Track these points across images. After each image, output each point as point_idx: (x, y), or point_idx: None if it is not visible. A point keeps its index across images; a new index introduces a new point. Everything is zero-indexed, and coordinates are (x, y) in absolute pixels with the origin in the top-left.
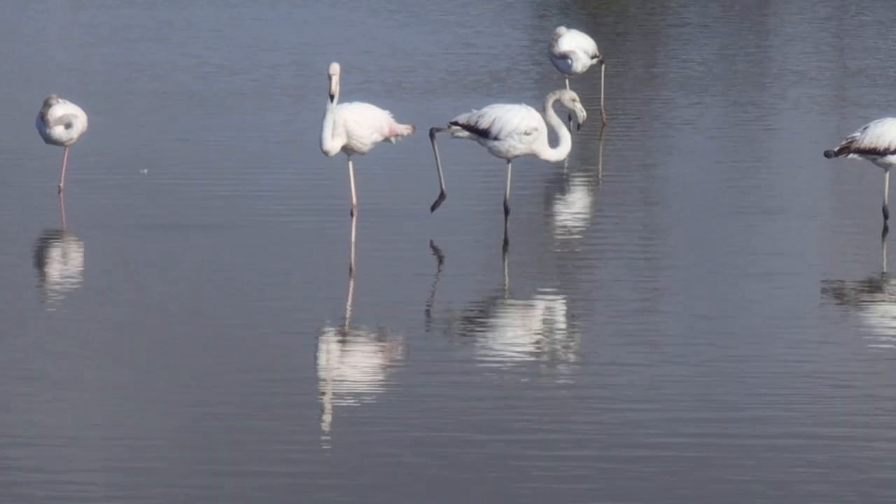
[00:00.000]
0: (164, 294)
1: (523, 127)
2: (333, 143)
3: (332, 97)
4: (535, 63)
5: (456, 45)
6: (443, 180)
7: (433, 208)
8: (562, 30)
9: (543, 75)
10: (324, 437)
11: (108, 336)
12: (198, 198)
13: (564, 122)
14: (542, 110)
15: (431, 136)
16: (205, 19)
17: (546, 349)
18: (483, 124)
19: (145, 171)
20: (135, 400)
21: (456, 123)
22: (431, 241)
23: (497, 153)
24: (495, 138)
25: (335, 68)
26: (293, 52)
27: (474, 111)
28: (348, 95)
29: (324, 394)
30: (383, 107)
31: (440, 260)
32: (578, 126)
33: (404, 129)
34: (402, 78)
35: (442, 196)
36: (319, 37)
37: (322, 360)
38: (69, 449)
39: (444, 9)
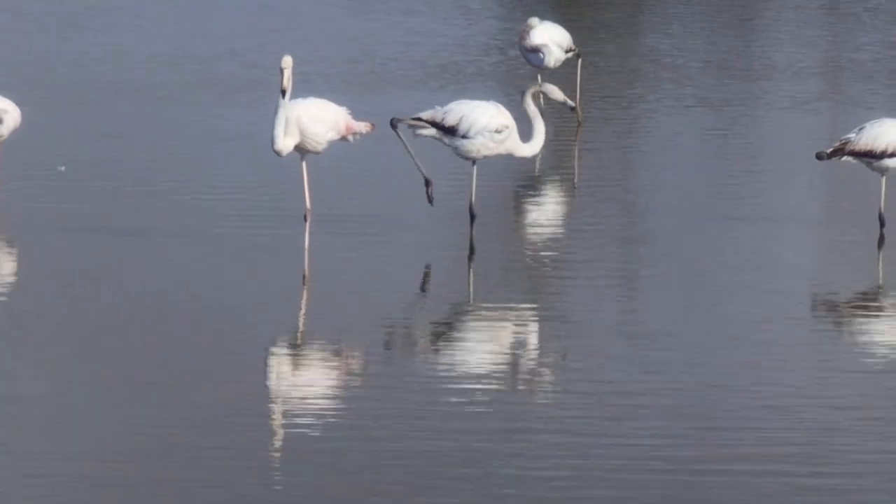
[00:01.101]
0: (105, 304)
1: (493, 124)
2: (286, 142)
3: (283, 92)
4: (503, 56)
5: (416, 35)
6: (421, 167)
7: (430, 200)
8: (534, 21)
9: (511, 69)
10: (274, 453)
11: (44, 348)
12: (135, 199)
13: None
14: (522, 98)
15: (393, 126)
16: (135, 6)
17: (509, 365)
18: (449, 121)
19: (63, 168)
20: (76, 416)
21: (419, 119)
22: (391, 250)
23: (464, 153)
24: (463, 136)
25: (287, 61)
26: (235, 41)
27: (438, 108)
28: (300, 89)
29: (276, 409)
30: (339, 103)
31: (400, 269)
32: (573, 108)
33: (363, 126)
34: (356, 70)
35: (427, 183)
36: (264, 26)
37: (272, 376)
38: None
39: None
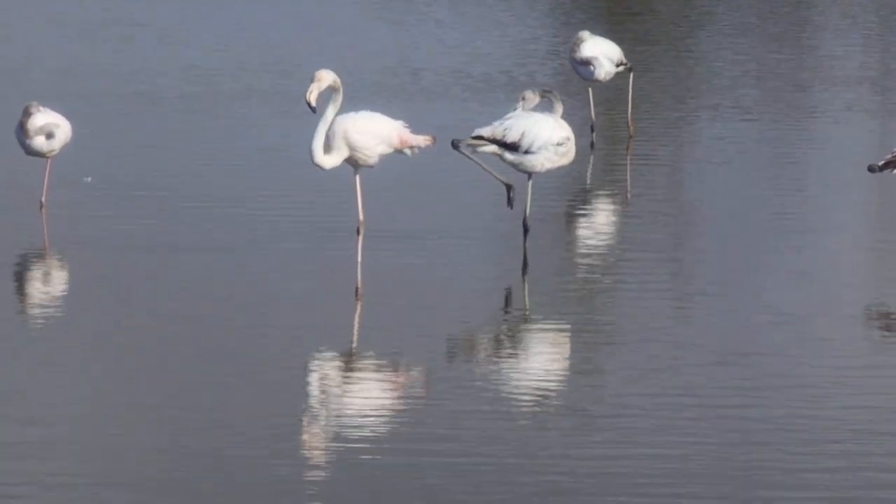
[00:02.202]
0: (158, 319)
1: (556, 138)
2: (329, 157)
3: (309, 105)
4: (553, 69)
5: (463, 45)
6: (496, 174)
7: (511, 204)
8: (585, 34)
9: (567, 79)
10: (325, 470)
11: (95, 366)
12: (187, 212)
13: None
14: (546, 101)
15: (455, 146)
16: (176, 17)
17: (563, 382)
18: (511, 137)
19: (89, 179)
20: (113, 440)
21: (480, 137)
22: (445, 264)
23: (528, 168)
24: (526, 151)
25: (321, 75)
26: (273, 53)
27: (496, 123)
28: (349, 103)
29: (330, 425)
30: (394, 115)
31: (454, 283)
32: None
33: (422, 140)
34: (406, 81)
35: (509, 188)
36: (310, 37)
37: (327, 389)
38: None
39: (454, 5)
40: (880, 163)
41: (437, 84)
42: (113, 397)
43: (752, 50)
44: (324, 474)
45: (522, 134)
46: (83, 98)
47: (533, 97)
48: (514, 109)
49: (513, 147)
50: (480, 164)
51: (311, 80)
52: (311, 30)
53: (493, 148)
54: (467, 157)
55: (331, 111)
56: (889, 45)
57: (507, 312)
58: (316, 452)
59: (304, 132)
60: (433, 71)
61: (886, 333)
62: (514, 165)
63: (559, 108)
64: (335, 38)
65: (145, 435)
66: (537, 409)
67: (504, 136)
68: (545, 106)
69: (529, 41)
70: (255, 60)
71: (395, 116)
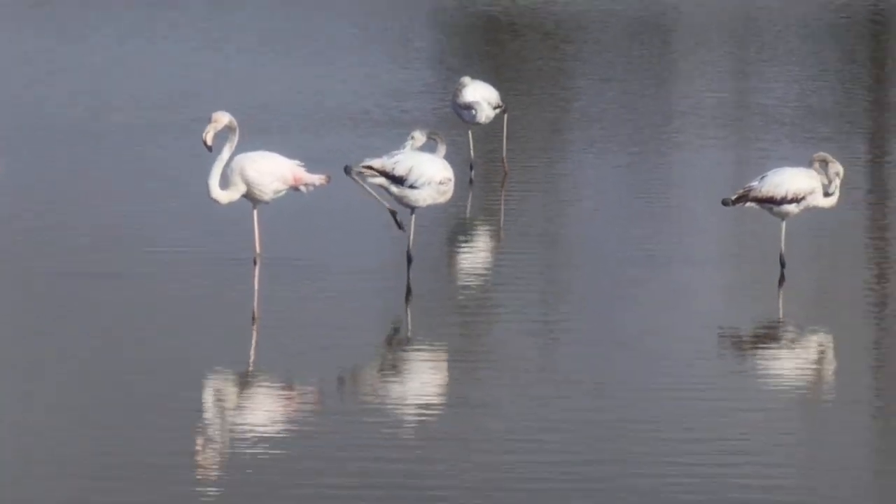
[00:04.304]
0: (56, 344)
1: (439, 177)
2: (225, 193)
3: (205, 144)
4: (432, 109)
5: (349, 85)
6: (382, 201)
7: (399, 226)
8: (466, 80)
9: (442, 119)
10: (215, 485)
11: None
12: (82, 241)
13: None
14: (432, 141)
15: (347, 172)
16: (74, 52)
17: (441, 408)
18: (399, 171)
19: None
20: (26, 453)
21: (370, 168)
22: (336, 292)
23: (411, 201)
24: (411, 186)
25: (217, 116)
26: (180, 88)
27: (386, 157)
28: (249, 140)
29: (221, 441)
30: (286, 151)
31: (342, 310)
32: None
33: (317, 179)
34: (300, 117)
35: (393, 213)
36: (210, 75)
37: (221, 409)
38: None
39: (344, 48)
40: (733, 197)
41: (326, 121)
42: (16, 418)
43: (618, 89)
44: (214, 491)
45: (410, 169)
46: None
47: (421, 137)
48: (404, 147)
49: (399, 180)
50: (368, 191)
51: (209, 122)
52: (210, 68)
53: (381, 180)
54: (357, 182)
55: (226, 150)
56: (742, 84)
57: (391, 338)
58: (207, 472)
59: (204, 169)
60: (322, 109)
61: (737, 359)
62: (398, 199)
63: (443, 149)
64: (233, 77)
65: (40, 457)
66: (416, 435)
67: (393, 169)
68: (431, 146)
69: (411, 82)
70: (153, 98)
71: (287, 153)
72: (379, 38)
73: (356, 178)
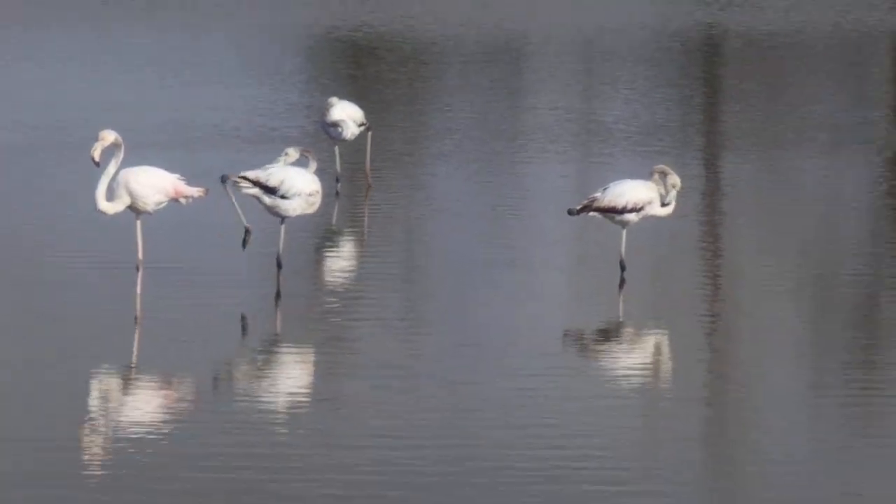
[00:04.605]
0: None
1: (308, 189)
2: (111, 205)
3: (93, 160)
4: (300, 127)
5: (230, 105)
6: (242, 216)
7: (244, 246)
8: (333, 100)
9: (309, 136)
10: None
11: None
12: None
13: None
14: (304, 158)
15: (223, 181)
16: None
17: (308, 405)
18: (272, 182)
19: None
20: None
21: (245, 178)
22: (212, 295)
23: (281, 211)
24: (283, 196)
25: (104, 134)
26: (65, 111)
27: (260, 170)
28: (133, 156)
29: (95, 438)
30: (167, 166)
31: (218, 312)
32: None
33: (195, 191)
34: (178, 135)
35: (247, 232)
36: (96, 96)
37: (104, 403)
38: None
39: (219, 71)
40: (578, 207)
41: (202, 139)
42: None
43: (471, 107)
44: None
45: (282, 181)
46: None
47: (294, 153)
48: (277, 162)
49: (272, 191)
50: (235, 204)
51: (96, 139)
52: (97, 90)
53: (255, 190)
54: (229, 193)
55: (112, 165)
56: (586, 103)
57: (262, 339)
58: (90, 465)
59: (90, 183)
60: (198, 127)
61: (580, 356)
62: (270, 209)
63: (313, 165)
64: (120, 96)
65: None
66: (283, 430)
67: (267, 181)
68: (303, 162)
69: (280, 102)
70: (41, 117)
71: (167, 167)
72: (253, 61)
73: (230, 188)
